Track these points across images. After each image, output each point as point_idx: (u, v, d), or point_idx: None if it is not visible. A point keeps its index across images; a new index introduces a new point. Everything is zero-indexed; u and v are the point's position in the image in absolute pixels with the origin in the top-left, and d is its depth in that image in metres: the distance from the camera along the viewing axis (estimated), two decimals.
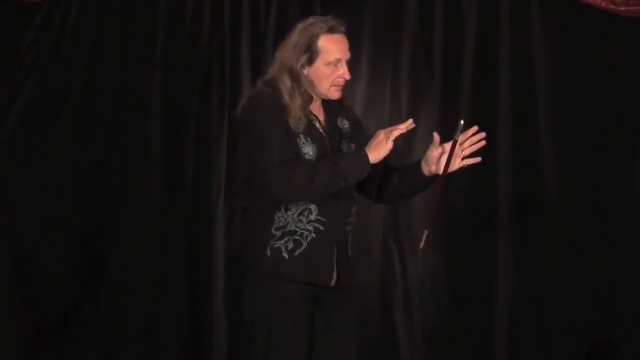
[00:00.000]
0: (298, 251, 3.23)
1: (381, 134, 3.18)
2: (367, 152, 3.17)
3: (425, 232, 3.24)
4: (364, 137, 3.33)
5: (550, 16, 4.53)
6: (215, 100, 4.75)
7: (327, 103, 3.35)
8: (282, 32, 4.66)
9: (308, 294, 3.24)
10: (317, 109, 3.33)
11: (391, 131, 3.17)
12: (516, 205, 4.55)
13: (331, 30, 3.28)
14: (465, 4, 4.60)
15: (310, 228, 3.24)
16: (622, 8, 4.42)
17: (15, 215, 4.73)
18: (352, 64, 4.58)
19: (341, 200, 3.27)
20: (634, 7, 4.41)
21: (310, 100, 3.28)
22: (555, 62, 4.53)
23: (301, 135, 3.22)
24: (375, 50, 4.68)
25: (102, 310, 4.72)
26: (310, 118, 3.27)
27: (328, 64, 3.25)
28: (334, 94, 3.28)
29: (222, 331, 4.73)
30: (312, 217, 3.23)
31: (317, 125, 3.29)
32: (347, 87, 4.62)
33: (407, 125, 3.17)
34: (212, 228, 4.72)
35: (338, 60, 3.26)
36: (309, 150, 3.22)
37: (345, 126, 3.37)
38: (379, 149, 3.17)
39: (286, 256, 3.23)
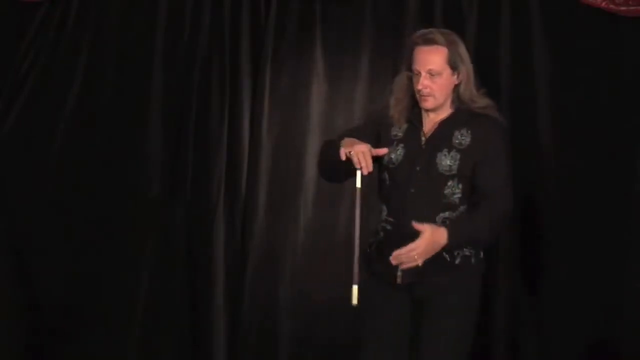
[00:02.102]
0: (373, 247, 3.52)
1: (362, 146, 3.33)
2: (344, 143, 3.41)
3: (355, 286, 3.30)
4: (485, 157, 3.39)
5: (550, 16, 4.53)
6: (215, 100, 4.75)
7: (458, 113, 3.46)
8: (282, 32, 4.72)
9: (395, 292, 3.40)
10: (430, 117, 3.48)
11: (364, 150, 3.31)
12: (516, 204, 4.54)
13: (418, 41, 3.44)
14: (465, 3, 4.60)
15: (380, 227, 3.48)
16: (622, 8, 4.42)
17: (15, 215, 4.73)
18: (352, 64, 4.71)
19: (413, 204, 3.38)
20: (634, 7, 4.40)
21: (409, 105, 3.48)
22: (555, 61, 4.53)
23: (395, 142, 3.45)
24: (375, 50, 4.68)
25: (101, 310, 4.72)
26: (414, 124, 3.47)
27: (413, 73, 3.44)
28: (422, 103, 3.46)
29: (222, 331, 4.73)
30: (383, 217, 3.48)
31: (420, 132, 3.46)
32: (347, 87, 4.71)
33: (382, 151, 3.41)
34: (212, 228, 4.73)
35: (418, 71, 3.42)
36: (393, 156, 3.44)
37: (463, 138, 3.43)
38: (348, 144, 3.35)
39: (368, 250, 3.53)
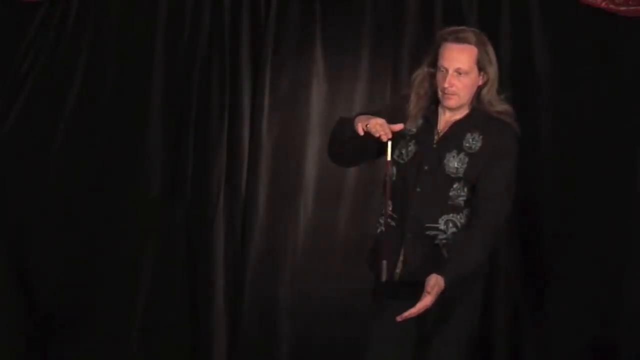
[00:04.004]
0: (373, 242, 3.50)
1: (378, 119, 3.30)
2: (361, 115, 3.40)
3: (384, 262, 3.31)
4: (491, 161, 3.36)
5: (551, 16, 4.53)
6: (215, 100, 4.75)
7: (473, 115, 3.42)
8: (282, 31, 4.72)
9: (399, 291, 3.35)
10: (445, 116, 3.44)
11: (381, 122, 3.28)
12: (516, 205, 4.54)
13: (447, 38, 3.39)
14: (465, 3, 4.60)
15: (381, 222, 3.42)
16: (622, 8, 4.42)
17: (14, 215, 4.73)
18: (352, 64, 4.71)
19: (418, 203, 3.35)
20: (634, 7, 4.41)
21: (427, 102, 3.44)
22: (555, 61, 4.53)
23: (408, 138, 3.40)
24: (375, 50, 4.68)
25: (101, 310, 4.72)
26: (430, 122, 3.42)
27: (439, 70, 3.38)
28: (445, 102, 3.40)
29: (222, 331, 4.73)
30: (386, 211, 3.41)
31: (434, 131, 3.42)
32: (347, 87, 4.71)
33: (398, 127, 3.32)
34: (212, 228, 4.73)
35: (445, 69, 3.36)
36: (403, 152, 3.40)
37: (474, 142, 3.39)
38: (362, 120, 3.31)
39: (371, 246, 3.51)
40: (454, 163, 3.37)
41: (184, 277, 4.74)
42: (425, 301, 3.20)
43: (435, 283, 3.20)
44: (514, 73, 4.55)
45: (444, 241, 3.36)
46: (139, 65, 4.77)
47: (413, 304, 3.35)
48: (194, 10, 4.75)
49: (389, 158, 3.32)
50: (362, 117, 3.36)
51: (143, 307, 4.72)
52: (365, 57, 4.70)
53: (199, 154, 4.75)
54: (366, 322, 3.55)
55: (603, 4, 4.43)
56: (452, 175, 3.36)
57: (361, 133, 3.28)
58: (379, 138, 3.26)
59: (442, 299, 3.33)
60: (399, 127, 3.33)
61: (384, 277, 3.31)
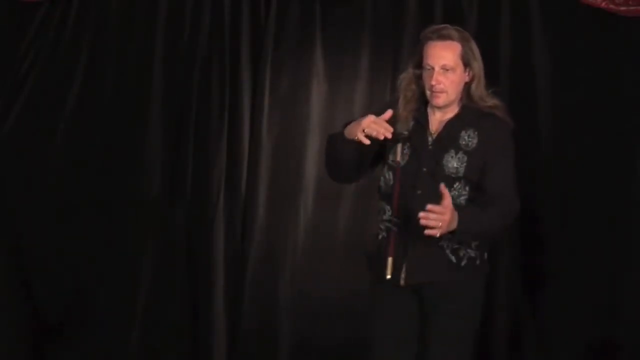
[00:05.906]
0: (374, 248, 3.46)
1: (367, 118, 3.30)
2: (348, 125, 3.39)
3: (390, 258, 3.33)
4: (492, 159, 3.36)
5: (550, 16, 4.53)
6: (215, 101, 4.75)
7: (465, 112, 3.42)
8: (282, 32, 4.72)
9: (401, 291, 3.36)
10: (436, 116, 3.44)
11: (374, 122, 3.28)
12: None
13: (431, 37, 3.39)
14: (465, 3, 4.60)
15: (382, 227, 3.43)
16: (622, 8, 4.42)
17: (14, 215, 4.73)
18: (352, 64, 4.71)
19: (420, 205, 3.30)
20: (634, 7, 4.41)
21: (415, 104, 3.43)
22: (555, 61, 4.53)
23: (401, 140, 3.39)
24: (375, 50, 4.68)
25: (101, 310, 4.72)
26: (421, 123, 3.42)
27: (425, 69, 3.39)
28: (433, 100, 3.41)
29: (222, 331, 4.73)
30: (385, 216, 3.42)
31: (427, 132, 3.41)
32: (347, 87, 4.71)
33: (388, 115, 3.33)
34: (212, 228, 4.73)
35: (431, 67, 3.37)
36: (398, 156, 3.39)
37: (470, 139, 3.40)
38: (353, 126, 3.32)
39: (373, 252, 3.47)
40: (454, 163, 3.37)
41: (184, 277, 4.74)
42: (445, 208, 3.14)
43: (452, 218, 3.17)
44: (514, 73, 4.55)
45: (446, 242, 3.36)
46: (139, 65, 4.78)
47: (414, 306, 3.36)
48: (194, 10, 4.76)
49: (398, 158, 3.36)
50: (351, 127, 3.35)
51: (143, 307, 4.73)
52: (365, 57, 4.70)
53: (199, 154, 4.76)
54: (366, 322, 3.55)
55: (603, 4, 4.43)
56: (453, 176, 3.36)
57: (367, 142, 3.28)
58: (383, 138, 3.27)
59: (443, 297, 3.34)
60: (388, 114, 3.32)
61: (388, 274, 3.33)
